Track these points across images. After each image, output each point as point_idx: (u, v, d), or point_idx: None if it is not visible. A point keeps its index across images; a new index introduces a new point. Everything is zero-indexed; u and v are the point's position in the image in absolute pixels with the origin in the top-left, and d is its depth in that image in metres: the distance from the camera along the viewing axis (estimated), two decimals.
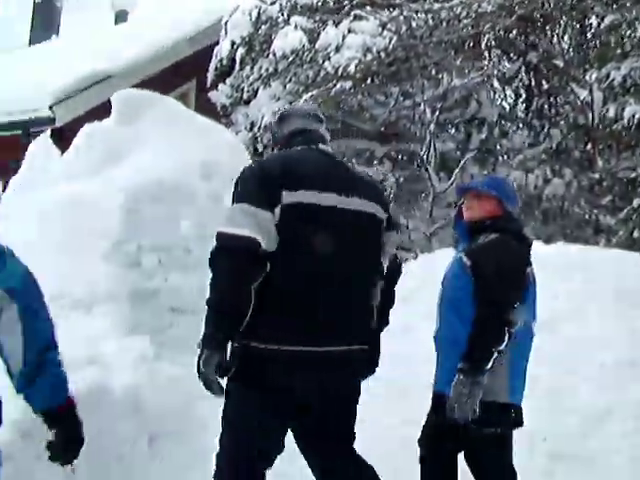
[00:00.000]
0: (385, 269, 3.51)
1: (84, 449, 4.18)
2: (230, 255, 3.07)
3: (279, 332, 3.14)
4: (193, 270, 6.27)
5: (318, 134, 3.50)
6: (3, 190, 6.61)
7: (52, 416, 2.88)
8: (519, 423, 3.93)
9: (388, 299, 3.63)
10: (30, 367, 2.77)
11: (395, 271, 3.65)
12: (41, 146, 6.43)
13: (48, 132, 6.65)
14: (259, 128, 13.05)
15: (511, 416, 3.86)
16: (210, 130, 6.33)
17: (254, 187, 3.16)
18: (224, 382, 3.20)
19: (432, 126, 11.78)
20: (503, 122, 13.58)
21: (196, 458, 4.75)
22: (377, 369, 3.71)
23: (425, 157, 11.71)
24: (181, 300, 6.19)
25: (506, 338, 3.70)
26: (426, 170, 11.70)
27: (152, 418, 4.59)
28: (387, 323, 3.70)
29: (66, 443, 2.96)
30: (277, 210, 3.11)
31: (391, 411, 5.31)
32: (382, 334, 3.69)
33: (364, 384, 3.57)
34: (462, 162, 12.06)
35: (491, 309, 3.69)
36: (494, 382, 3.74)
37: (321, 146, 3.43)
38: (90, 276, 5.14)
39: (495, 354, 3.68)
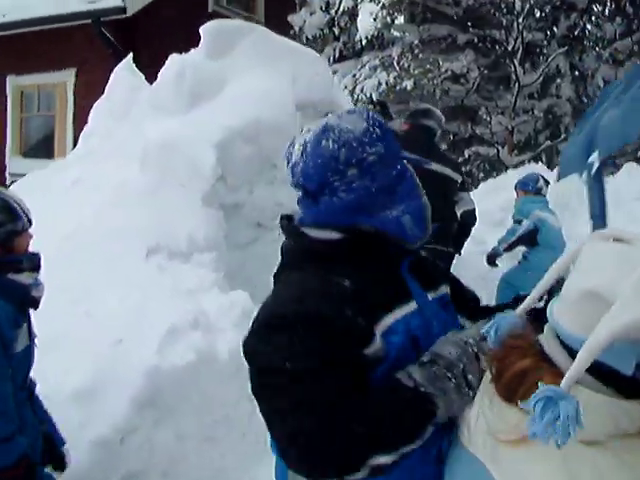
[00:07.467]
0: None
1: (192, 413, 4.24)
2: None
3: None
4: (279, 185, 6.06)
5: None
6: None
7: None
8: None
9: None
10: None
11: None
12: (125, 73, 6.15)
13: (130, 57, 6.25)
14: (336, 11, 12.25)
15: None
16: (304, 59, 5.97)
17: None
18: None
19: (517, 13, 11.09)
20: (594, 7, 12.71)
21: None
22: None
23: (511, 48, 11.09)
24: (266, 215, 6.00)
25: None
26: (511, 62, 11.11)
27: None
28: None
29: None
30: None
31: None
32: None
33: None
34: (551, 58, 11.44)
35: None
36: None
37: None
38: (188, 222, 5.01)
39: None
